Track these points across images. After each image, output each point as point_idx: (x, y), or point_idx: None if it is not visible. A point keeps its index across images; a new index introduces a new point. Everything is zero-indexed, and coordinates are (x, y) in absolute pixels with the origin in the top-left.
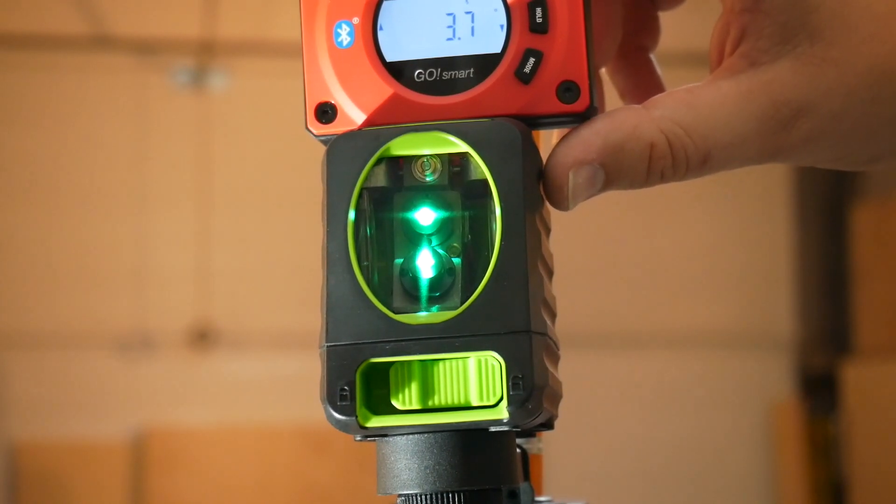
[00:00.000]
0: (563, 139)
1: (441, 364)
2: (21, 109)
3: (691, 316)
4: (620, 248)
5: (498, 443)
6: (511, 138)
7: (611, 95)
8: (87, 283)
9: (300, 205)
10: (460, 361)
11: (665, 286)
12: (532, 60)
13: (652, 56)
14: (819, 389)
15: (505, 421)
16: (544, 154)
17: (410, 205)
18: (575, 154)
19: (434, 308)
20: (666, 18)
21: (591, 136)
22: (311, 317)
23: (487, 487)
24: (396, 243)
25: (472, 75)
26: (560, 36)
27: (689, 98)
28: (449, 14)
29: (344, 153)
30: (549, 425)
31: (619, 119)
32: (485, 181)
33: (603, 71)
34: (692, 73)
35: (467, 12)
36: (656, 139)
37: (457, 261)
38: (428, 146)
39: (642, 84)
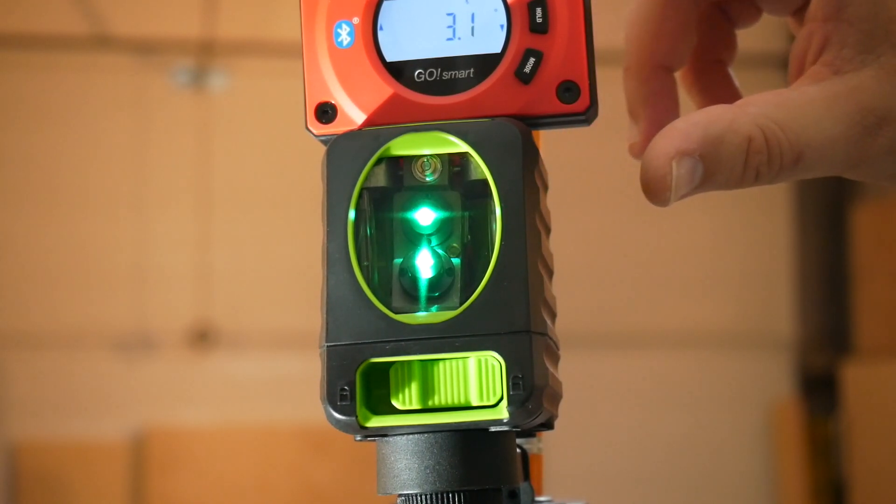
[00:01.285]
0: (660, 132)
1: (441, 364)
2: (21, 109)
3: (691, 316)
4: (620, 247)
5: (498, 443)
6: (511, 138)
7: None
8: (87, 283)
9: (300, 205)
10: (460, 361)
11: (665, 286)
12: (532, 60)
13: (730, 70)
14: (819, 389)
15: (505, 421)
16: (546, 154)
17: (410, 205)
18: (677, 144)
19: (433, 308)
20: None
21: (691, 128)
22: (311, 317)
23: (487, 487)
24: (396, 243)
25: (472, 75)
26: (560, 36)
27: (780, 99)
28: (449, 14)
29: (344, 153)
30: (549, 425)
31: (716, 113)
32: (485, 181)
33: (679, 85)
34: None
35: (467, 12)
36: (754, 133)
37: (456, 261)
38: (428, 146)
39: (722, 98)
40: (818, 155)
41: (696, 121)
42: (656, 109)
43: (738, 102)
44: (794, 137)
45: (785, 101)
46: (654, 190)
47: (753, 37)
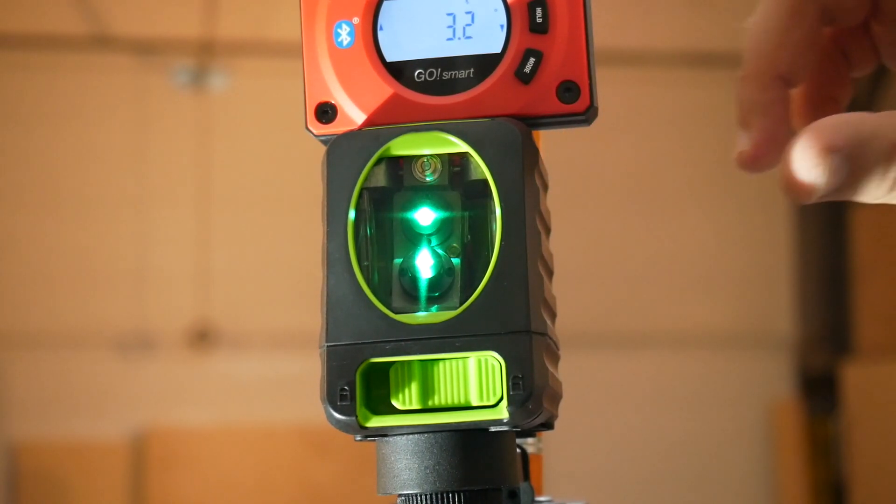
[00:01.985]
0: (806, 129)
1: (441, 364)
2: (21, 109)
3: (691, 316)
4: (620, 247)
5: (498, 443)
6: (511, 138)
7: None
8: (87, 283)
9: (300, 205)
10: (460, 361)
11: (665, 286)
12: (532, 60)
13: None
14: (819, 389)
15: (505, 421)
16: (546, 154)
17: (410, 205)
18: (827, 138)
19: (433, 308)
20: (666, 18)
21: (841, 126)
22: (311, 317)
23: (487, 487)
24: (396, 243)
25: (472, 75)
26: (560, 36)
27: None
28: (449, 14)
29: (344, 153)
30: (549, 425)
31: (861, 117)
32: (485, 181)
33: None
34: (693, 73)
35: (467, 12)
36: None
37: (456, 261)
38: (428, 146)
39: None
40: None
41: (845, 120)
42: (770, 119)
43: (879, 113)
44: None
45: None
46: (799, 185)
47: None
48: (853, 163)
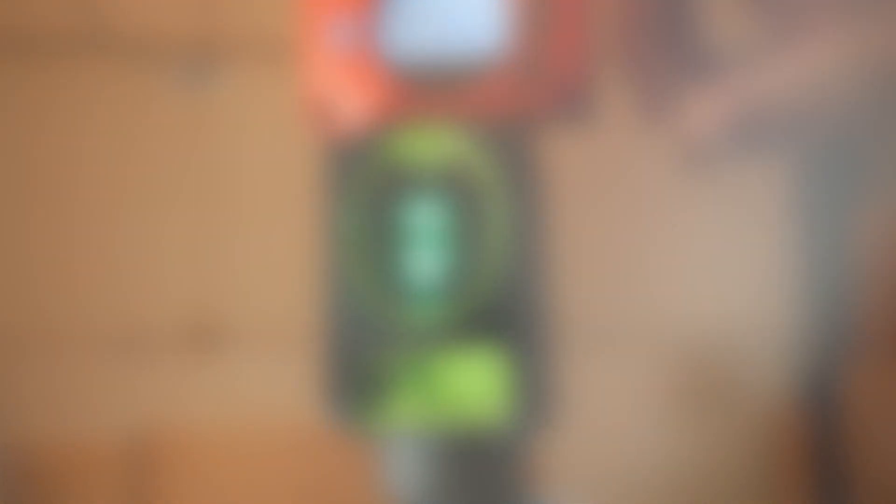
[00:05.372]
0: None
1: (441, 364)
2: (21, 110)
3: (691, 315)
4: (620, 247)
5: (498, 443)
6: (511, 138)
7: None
8: (87, 283)
9: (300, 205)
10: (460, 362)
11: (665, 286)
12: (532, 60)
13: None
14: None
15: (505, 421)
16: (545, 154)
17: (410, 205)
18: None
19: (433, 308)
20: None
21: None
22: (311, 317)
23: None
24: (396, 243)
25: (472, 75)
26: (560, 36)
27: None
28: (449, 13)
29: (343, 153)
30: (549, 425)
31: None
32: (485, 181)
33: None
34: None
35: (467, 12)
36: None
37: (456, 261)
38: (428, 146)
39: None
40: None
41: None
42: None
43: None
44: None
45: None
46: None
47: None
48: None
